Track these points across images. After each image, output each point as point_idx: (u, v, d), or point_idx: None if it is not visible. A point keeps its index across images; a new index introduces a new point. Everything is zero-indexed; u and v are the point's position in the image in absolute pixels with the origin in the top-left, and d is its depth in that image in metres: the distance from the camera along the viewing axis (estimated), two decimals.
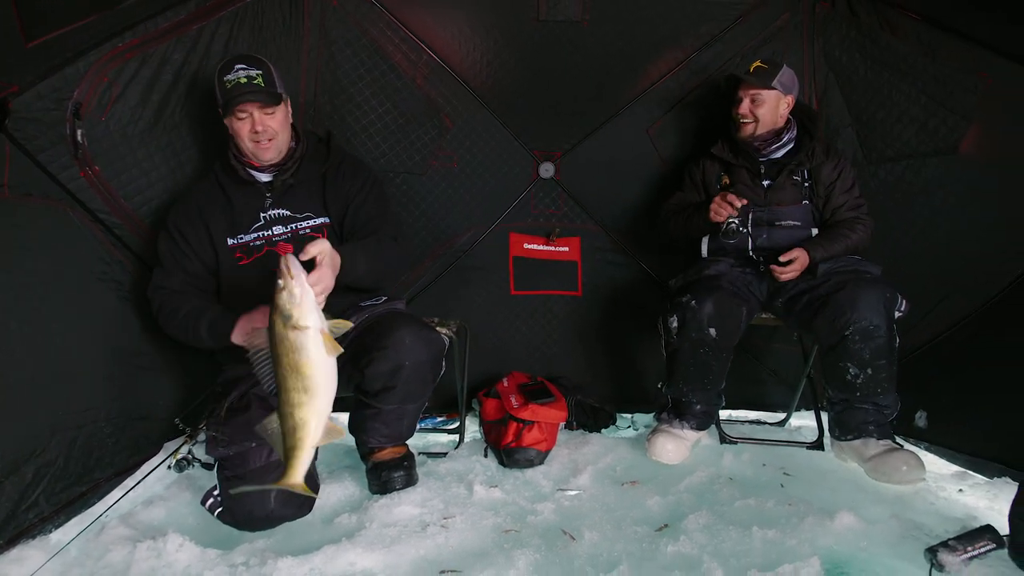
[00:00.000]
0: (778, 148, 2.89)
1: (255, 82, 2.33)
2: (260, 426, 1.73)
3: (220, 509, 2.20)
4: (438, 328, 2.62)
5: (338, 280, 1.97)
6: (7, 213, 2.05)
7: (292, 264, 1.66)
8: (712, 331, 2.63)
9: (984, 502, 2.37)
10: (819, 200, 2.86)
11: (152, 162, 2.56)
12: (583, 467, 2.61)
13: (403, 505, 2.23)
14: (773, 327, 3.09)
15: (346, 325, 1.72)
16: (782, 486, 2.48)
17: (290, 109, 2.49)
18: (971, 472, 2.55)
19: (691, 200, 3.03)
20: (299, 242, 2.44)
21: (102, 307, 2.37)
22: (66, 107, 2.24)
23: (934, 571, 1.83)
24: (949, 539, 1.88)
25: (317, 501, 2.25)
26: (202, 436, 2.35)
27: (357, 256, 2.17)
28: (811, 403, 3.15)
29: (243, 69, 2.34)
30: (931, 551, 1.86)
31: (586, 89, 3.22)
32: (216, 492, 2.23)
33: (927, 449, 2.75)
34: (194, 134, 2.69)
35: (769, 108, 2.81)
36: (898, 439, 2.68)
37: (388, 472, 2.38)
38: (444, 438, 3.11)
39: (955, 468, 2.63)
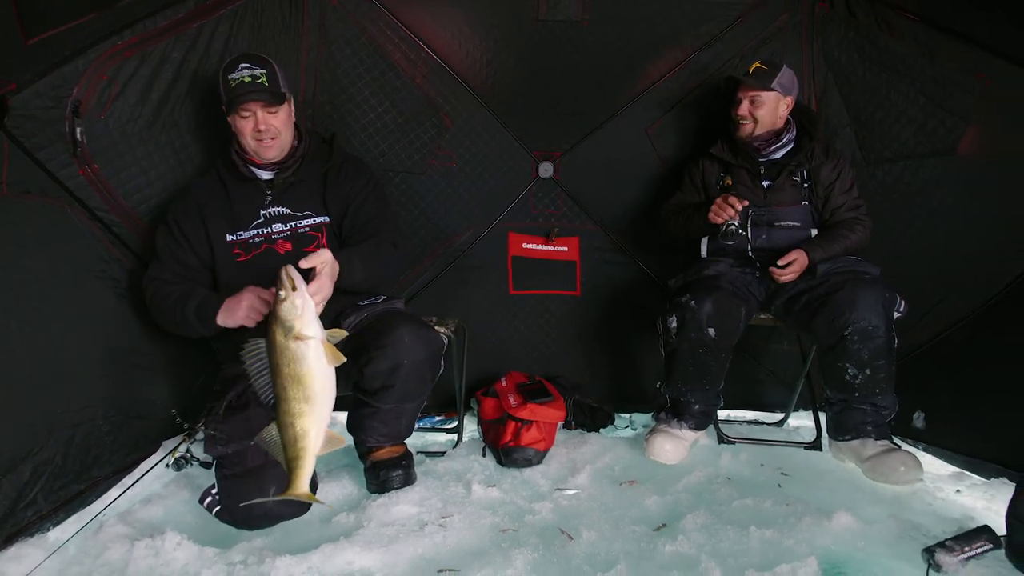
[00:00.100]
0: (777, 149, 2.89)
1: (259, 81, 2.34)
2: (259, 436, 1.74)
3: (218, 508, 2.20)
4: (436, 327, 2.62)
5: (336, 285, 2.00)
6: (5, 211, 2.05)
7: (293, 275, 1.68)
8: (711, 331, 2.63)
9: (981, 503, 2.37)
10: (818, 201, 2.87)
11: (151, 160, 2.56)
12: (581, 467, 2.61)
13: (401, 504, 2.24)
14: (772, 327, 3.09)
15: (341, 334, 1.75)
16: (780, 486, 2.49)
17: (293, 108, 2.50)
18: (968, 473, 2.56)
19: (691, 201, 3.04)
20: (298, 240, 2.45)
21: (100, 305, 2.37)
22: (65, 105, 2.23)
23: (931, 571, 1.83)
24: (946, 539, 1.89)
25: None
26: (200, 434, 2.34)
27: (355, 262, 2.18)
28: (809, 403, 3.16)
29: (247, 68, 2.34)
30: (928, 551, 1.86)
31: (585, 89, 3.22)
32: (214, 491, 2.23)
33: (925, 450, 2.76)
34: (193, 132, 2.69)
35: (768, 109, 2.81)
36: (896, 439, 2.68)
37: (386, 471, 2.38)
38: (442, 437, 3.11)
39: (953, 468, 2.63)
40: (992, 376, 2.57)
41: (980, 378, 2.63)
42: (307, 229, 2.47)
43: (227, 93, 2.35)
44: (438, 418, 3.28)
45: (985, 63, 2.65)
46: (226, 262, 2.43)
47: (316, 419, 1.68)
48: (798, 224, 2.84)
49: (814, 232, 2.85)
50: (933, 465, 2.66)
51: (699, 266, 2.91)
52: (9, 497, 1.92)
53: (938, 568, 1.82)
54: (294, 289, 1.66)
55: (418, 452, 2.71)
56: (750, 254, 2.86)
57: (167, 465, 2.42)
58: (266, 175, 2.49)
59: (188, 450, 2.44)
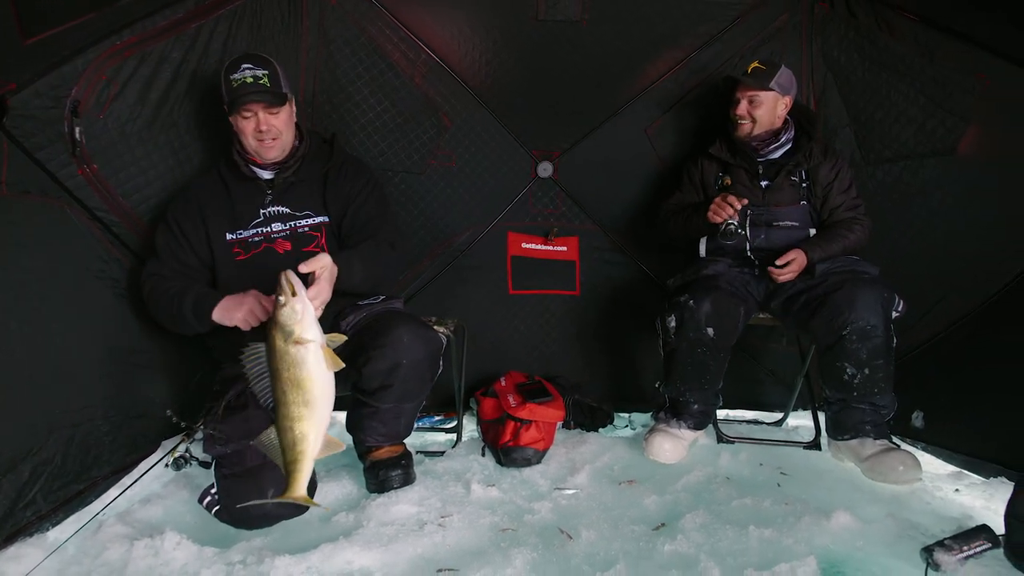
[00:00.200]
0: (776, 148, 2.89)
1: (261, 82, 2.34)
2: (258, 440, 1.75)
3: (217, 507, 2.20)
4: (436, 327, 2.62)
5: (335, 287, 2.01)
6: (5, 211, 2.05)
7: (293, 280, 1.69)
8: (710, 331, 2.63)
9: (980, 502, 2.37)
10: (817, 200, 2.87)
11: (150, 160, 2.56)
12: (580, 466, 2.61)
13: (400, 504, 2.24)
14: (770, 327, 3.09)
15: (340, 339, 1.75)
16: (779, 485, 2.49)
17: (295, 108, 2.50)
18: (967, 472, 2.56)
19: (689, 200, 3.04)
20: (297, 240, 2.45)
21: (100, 305, 2.37)
22: (64, 105, 2.23)
23: (930, 570, 1.84)
24: (945, 539, 1.89)
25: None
26: (199, 434, 2.35)
27: (354, 264, 2.19)
28: (808, 403, 3.16)
29: (249, 69, 2.34)
30: (927, 550, 1.86)
31: (585, 88, 3.22)
32: (213, 490, 2.23)
33: (924, 449, 2.76)
34: (192, 132, 2.69)
35: (767, 109, 2.82)
36: (895, 439, 2.68)
37: (385, 471, 2.38)
38: (442, 437, 3.11)
39: (951, 468, 2.64)
40: (991, 375, 2.57)
41: (979, 377, 2.63)
42: (306, 229, 2.48)
43: (229, 93, 2.36)
44: (437, 418, 3.28)
45: (985, 63, 2.65)
46: (225, 261, 2.44)
47: (315, 423, 1.69)
48: (796, 224, 2.84)
49: (812, 232, 2.85)
50: (932, 464, 2.66)
51: (697, 266, 2.91)
52: (8, 497, 1.92)
53: (937, 567, 1.83)
54: (294, 294, 1.67)
55: (417, 452, 2.71)
56: (748, 254, 2.86)
57: (166, 465, 2.41)
58: (267, 175, 2.49)
59: (187, 450, 2.44)
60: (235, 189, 2.48)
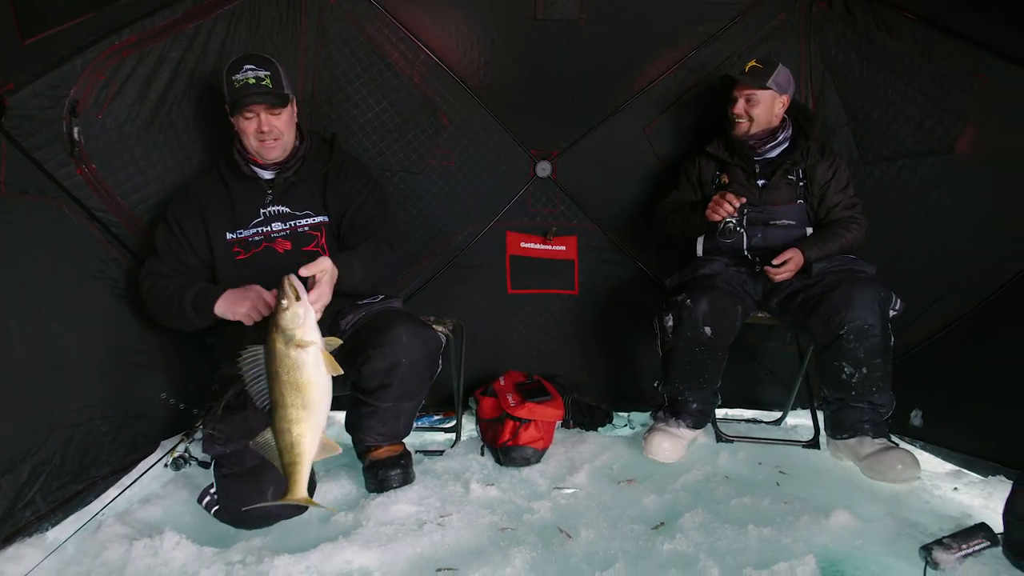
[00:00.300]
0: (773, 147, 2.90)
1: (263, 83, 2.34)
2: (254, 442, 1.77)
3: (217, 507, 2.20)
4: (435, 326, 2.62)
5: (335, 288, 2.02)
6: (3, 211, 2.05)
7: (297, 285, 1.70)
8: (707, 330, 2.63)
9: (979, 500, 2.38)
10: (814, 199, 2.87)
11: (149, 160, 2.56)
12: (579, 465, 2.61)
13: (400, 503, 2.24)
14: (769, 326, 3.10)
15: (336, 342, 1.77)
16: (778, 484, 2.49)
17: (296, 109, 2.50)
18: (966, 471, 2.56)
19: (687, 199, 3.04)
20: (297, 239, 2.46)
21: (99, 305, 2.37)
22: (63, 105, 2.24)
23: (929, 569, 1.84)
24: (944, 537, 1.89)
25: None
26: (199, 434, 2.35)
27: (354, 265, 2.19)
28: (807, 402, 3.16)
29: (252, 70, 2.35)
30: (926, 549, 1.86)
31: (583, 88, 3.22)
32: (213, 490, 2.23)
33: (922, 448, 2.76)
34: (191, 132, 2.69)
35: (764, 108, 2.82)
36: (894, 438, 2.69)
37: (385, 470, 2.38)
38: (441, 436, 3.11)
39: (950, 467, 2.64)
40: (989, 374, 2.57)
41: (977, 376, 2.63)
42: (306, 228, 2.48)
43: (231, 94, 2.36)
44: (436, 417, 3.28)
45: (984, 62, 2.65)
46: (226, 260, 2.44)
47: (313, 425, 1.71)
48: (793, 223, 2.85)
49: (809, 231, 2.85)
50: (931, 463, 2.66)
51: (695, 265, 2.91)
52: (8, 497, 1.92)
53: (936, 566, 1.83)
54: (297, 299, 1.68)
55: (416, 451, 2.71)
56: (745, 253, 2.86)
57: (166, 465, 2.41)
58: (267, 175, 2.49)
59: (187, 450, 2.44)
60: (235, 189, 2.48)
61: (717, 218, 2.74)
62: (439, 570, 1.89)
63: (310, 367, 1.68)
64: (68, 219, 2.31)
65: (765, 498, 2.28)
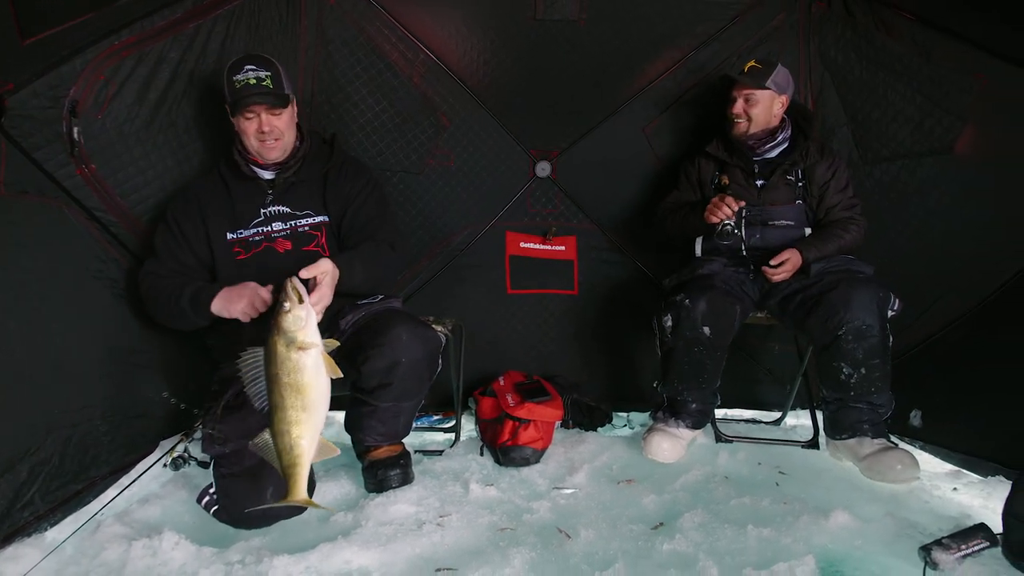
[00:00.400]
0: (772, 147, 2.90)
1: (264, 84, 2.35)
2: (253, 444, 1.77)
3: (216, 507, 2.20)
4: (434, 326, 2.62)
5: (336, 289, 2.03)
6: (3, 211, 2.05)
7: (299, 288, 1.71)
8: (706, 330, 2.63)
9: (978, 501, 2.38)
10: (813, 200, 2.87)
11: (148, 160, 2.56)
12: (579, 465, 2.61)
13: (399, 503, 2.24)
14: (768, 326, 3.09)
15: (334, 344, 1.78)
16: (777, 485, 2.49)
17: (296, 109, 2.51)
18: (965, 471, 2.56)
19: (687, 199, 3.04)
20: (297, 239, 2.46)
21: (98, 305, 2.37)
22: (62, 105, 2.24)
23: (928, 569, 1.83)
24: (943, 537, 1.89)
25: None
26: (198, 434, 2.35)
27: (355, 266, 2.20)
28: (806, 402, 3.16)
29: (252, 70, 2.35)
30: (925, 549, 1.86)
31: (583, 88, 3.23)
32: (212, 490, 2.23)
33: (922, 448, 2.76)
34: (190, 132, 2.69)
35: (763, 108, 2.82)
36: (893, 438, 2.69)
37: (384, 470, 2.38)
38: (440, 436, 3.11)
39: (949, 467, 2.64)
40: (988, 374, 2.57)
41: (976, 376, 2.63)
42: (307, 228, 2.48)
43: (232, 94, 2.36)
44: (436, 417, 3.28)
45: (982, 63, 2.65)
46: (226, 260, 2.44)
47: (312, 427, 1.72)
48: (792, 223, 2.85)
49: (808, 231, 2.85)
50: (930, 463, 2.66)
51: (693, 265, 2.91)
52: (6, 497, 1.91)
53: (935, 566, 1.83)
54: (300, 301, 1.69)
55: (416, 451, 2.71)
56: (744, 253, 2.86)
57: (165, 465, 2.41)
58: (268, 175, 2.49)
59: (186, 450, 2.44)
60: (236, 189, 2.48)
61: (715, 220, 2.74)
62: (438, 570, 1.89)
63: (311, 369, 1.69)
64: (68, 219, 2.31)
65: (764, 498, 2.28)
